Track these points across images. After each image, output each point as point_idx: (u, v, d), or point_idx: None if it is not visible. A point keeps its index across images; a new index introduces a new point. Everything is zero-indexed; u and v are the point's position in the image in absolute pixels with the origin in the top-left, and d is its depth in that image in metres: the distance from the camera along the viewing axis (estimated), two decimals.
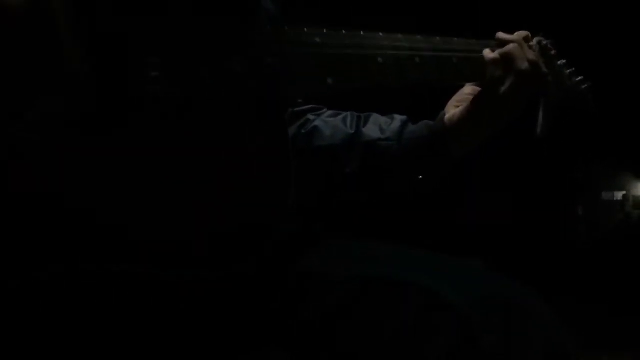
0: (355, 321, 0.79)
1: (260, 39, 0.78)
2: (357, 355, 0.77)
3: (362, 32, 0.90)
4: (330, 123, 1.07)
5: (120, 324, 0.74)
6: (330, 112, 1.11)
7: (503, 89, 1.01)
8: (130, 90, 0.69)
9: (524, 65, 1.01)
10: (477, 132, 1.05)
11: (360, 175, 1.04)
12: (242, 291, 0.81)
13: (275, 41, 0.79)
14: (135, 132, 0.69)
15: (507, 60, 1.02)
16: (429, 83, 0.98)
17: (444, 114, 1.07)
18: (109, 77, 0.68)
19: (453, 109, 1.07)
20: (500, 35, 1.08)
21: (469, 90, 1.08)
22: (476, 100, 1.04)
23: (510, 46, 1.03)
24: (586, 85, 1.21)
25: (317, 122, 1.07)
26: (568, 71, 1.19)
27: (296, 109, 1.10)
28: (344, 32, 0.88)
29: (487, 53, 1.04)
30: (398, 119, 1.07)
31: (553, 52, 1.16)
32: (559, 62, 1.17)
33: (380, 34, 0.93)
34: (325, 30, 0.85)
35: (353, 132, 1.06)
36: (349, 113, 1.10)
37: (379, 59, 0.90)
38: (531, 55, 1.04)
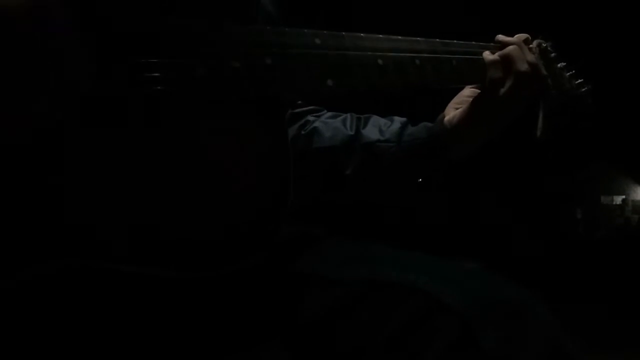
0: (354, 322, 0.78)
1: (260, 40, 0.78)
2: (357, 356, 0.77)
3: (362, 34, 0.90)
4: (330, 124, 1.07)
5: (120, 323, 0.74)
6: (329, 114, 1.11)
7: (503, 90, 1.01)
8: (128, 90, 0.69)
9: (524, 67, 1.01)
10: (476, 134, 1.05)
11: (359, 177, 1.04)
12: (242, 291, 0.81)
13: (275, 43, 0.79)
14: (133, 131, 0.69)
15: (506, 62, 1.02)
16: (428, 85, 0.98)
17: (444, 116, 1.07)
18: (109, 77, 0.68)
19: (452, 111, 1.07)
20: (500, 37, 1.08)
21: (468, 92, 1.08)
22: (475, 102, 1.04)
23: (510, 48, 1.03)
24: (586, 88, 1.21)
25: (316, 124, 1.07)
26: (568, 74, 1.19)
27: (296, 110, 1.10)
28: (344, 34, 0.88)
29: (487, 55, 1.04)
30: (397, 120, 1.07)
31: (553, 55, 1.16)
32: (559, 65, 1.17)
33: (380, 36, 0.93)
34: (325, 32, 0.86)
35: (353, 133, 1.06)
36: (348, 114, 1.10)
37: (379, 61, 0.90)
38: (531, 57, 1.04)
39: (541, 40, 1.14)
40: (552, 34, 1.17)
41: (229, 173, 0.73)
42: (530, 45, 1.09)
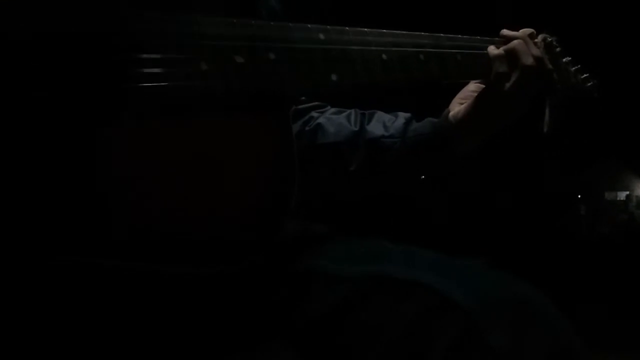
0: (360, 319, 0.78)
1: (263, 36, 0.77)
2: (362, 354, 0.76)
3: (366, 29, 0.90)
4: (334, 120, 1.07)
5: (122, 322, 0.74)
6: (333, 110, 1.11)
7: (508, 85, 1.01)
8: (130, 87, 0.68)
9: (529, 60, 1.01)
10: (481, 129, 1.04)
11: (364, 173, 1.04)
12: (246, 288, 0.81)
13: (279, 38, 0.78)
14: (135, 128, 0.69)
15: (511, 56, 1.01)
16: (433, 80, 0.98)
17: (448, 111, 1.06)
18: (108, 76, 0.68)
19: (457, 106, 1.06)
20: (505, 32, 1.07)
21: (473, 87, 1.08)
22: (480, 97, 1.03)
23: (515, 42, 1.03)
24: (592, 83, 1.20)
25: (320, 120, 1.07)
26: (573, 68, 1.18)
27: (300, 107, 1.09)
28: (347, 29, 0.87)
29: (492, 49, 1.03)
30: (402, 116, 1.07)
31: (558, 49, 1.15)
32: (564, 60, 1.17)
33: (384, 30, 0.92)
34: (329, 27, 0.85)
35: (357, 129, 1.05)
36: (352, 110, 1.10)
37: (383, 56, 0.89)
38: (536, 51, 1.03)
39: (546, 35, 1.14)
40: (557, 29, 1.17)
41: (232, 169, 0.73)
42: (535, 40, 1.09)
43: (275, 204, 0.74)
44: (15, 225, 0.64)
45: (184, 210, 0.70)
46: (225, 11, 0.76)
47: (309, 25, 0.83)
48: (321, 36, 0.83)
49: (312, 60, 0.81)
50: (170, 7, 0.72)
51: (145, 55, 0.69)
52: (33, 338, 0.70)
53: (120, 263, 0.68)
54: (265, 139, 0.76)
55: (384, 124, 1.06)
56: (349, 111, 1.09)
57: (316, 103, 1.11)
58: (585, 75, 1.20)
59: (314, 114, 1.09)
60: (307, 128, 1.06)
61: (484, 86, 1.05)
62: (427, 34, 0.98)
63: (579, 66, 1.19)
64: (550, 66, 1.06)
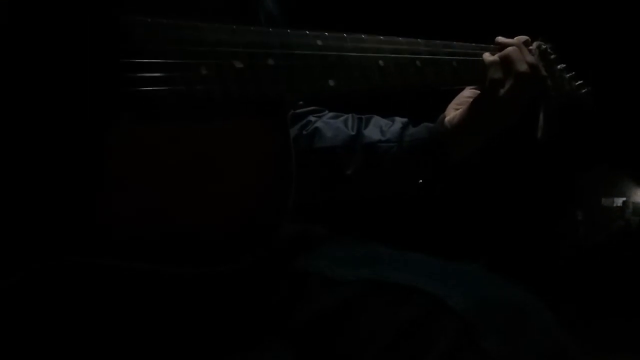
0: (356, 323, 0.79)
1: (262, 41, 0.78)
2: (358, 357, 0.77)
3: (363, 36, 0.91)
4: (332, 124, 1.07)
5: (121, 321, 0.74)
6: (331, 114, 1.12)
7: (502, 91, 1.02)
8: (130, 90, 0.69)
9: (523, 67, 1.02)
10: (476, 134, 1.05)
11: (360, 177, 1.04)
12: (243, 290, 0.81)
13: (277, 44, 0.79)
14: (135, 129, 0.69)
15: (506, 63, 1.03)
16: (429, 86, 0.99)
17: (444, 117, 1.07)
18: (109, 80, 0.68)
19: (453, 112, 1.07)
20: (500, 39, 1.08)
21: (468, 93, 1.09)
22: (476, 102, 1.04)
23: (510, 49, 1.04)
24: (586, 90, 1.21)
25: (318, 124, 1.08)
26: (568, 75, 1.19)
27: (297, 111, 1.10)
28: (345, 35, 0.89)
29: (487, 56, 1.05)
30: (399, 121, 1.08)
31: (552, 56, 1.16)
32: (559, 66, 1.18)
33: (381, 37, 0.93)
34: (327, 34, 0.86)
35: (354, 133, 1.06)
36: (350, 115, 1.10)
37: (380, 62, 0.90)
38: (530, 58, 1.04)
39: (541, 42, 1.15)
40: (552, 36, 1.18)
41: (231, 171, 0.73)
42: (530, 47, 1.10)
43: (274, 206, 0.75)
44: (16, 225, 0.65)
45: (184, 211, 0.70)
46: (225, 17, 0.77)
47: (307, 32, 0.84)
48: (319, 42, 0.84)
49: (310, 66, 0.82)
50: (170, 13, 0.73)
51: (145, 60, 0.70)
52: (33, 338, 0.71)
53: (120, 263, 0.69)
54: (264, 142, 0.77)
55: (380, 128, 1.07)
56: (346, 116, 1.10)
57: (314, 107, 1.12)
58: (579, 82, 1.21)
59: (312, 118, 1.10)
60: (304, 132, 1.07)
61: (479, 92, 1.06)
62: (423, 40, 0.99)
63: (574, 73, 1.20)
64: (544, 73, 1.07)
